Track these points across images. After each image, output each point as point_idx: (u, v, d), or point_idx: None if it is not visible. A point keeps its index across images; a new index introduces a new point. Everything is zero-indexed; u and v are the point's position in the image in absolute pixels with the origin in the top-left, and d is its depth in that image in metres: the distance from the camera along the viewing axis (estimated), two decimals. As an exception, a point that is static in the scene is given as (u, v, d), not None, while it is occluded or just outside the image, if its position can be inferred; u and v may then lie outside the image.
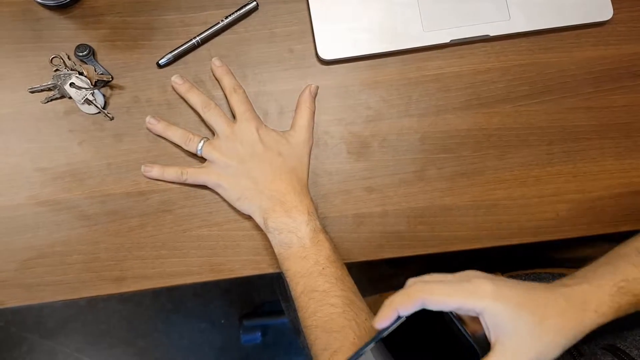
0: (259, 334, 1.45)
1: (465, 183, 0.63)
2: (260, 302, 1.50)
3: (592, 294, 0.46)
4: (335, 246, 0.56)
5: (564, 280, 0.48)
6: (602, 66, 0.65)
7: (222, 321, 1.48)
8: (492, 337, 0.44)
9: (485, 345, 0.44)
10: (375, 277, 0.79)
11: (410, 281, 0.45)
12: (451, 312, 0.45)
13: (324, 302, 0.51)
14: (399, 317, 0.44)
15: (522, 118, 0.63)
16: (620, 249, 0.51)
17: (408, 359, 0.45)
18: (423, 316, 0.44)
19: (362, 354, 0.43)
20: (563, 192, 0.63)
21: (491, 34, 0.63)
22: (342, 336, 0.50)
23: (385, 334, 0.44)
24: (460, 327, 0.45)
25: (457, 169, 0.63)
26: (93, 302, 1.46)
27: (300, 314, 0.53)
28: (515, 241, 0.62)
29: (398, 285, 0.76)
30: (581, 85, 0.64)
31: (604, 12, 0.64)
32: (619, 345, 0.50)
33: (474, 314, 0.44)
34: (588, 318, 0.45)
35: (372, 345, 0.44)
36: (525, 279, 0.64)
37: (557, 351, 0.44)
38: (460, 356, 0.45)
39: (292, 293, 0.54)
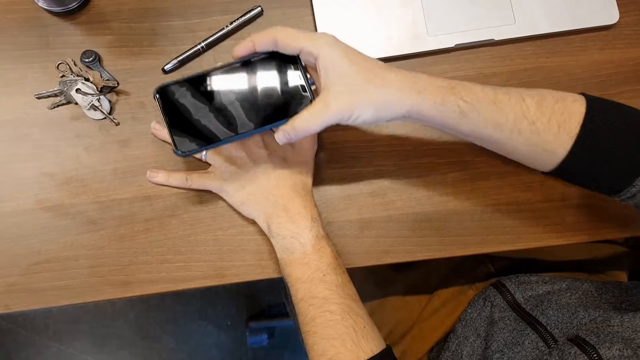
0: (266, 335, 1.46)
1: (470, 188, 0.62)
2: (267, 304, 1.50)
3: (423, 79, 0.48)
4: (337, 253, 0.55)
5: None
6: (609, 70, 0.64)
7: (229, 323, 1.49)
8: (322, 82, 0.48)
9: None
10: (379, 281, 0.79)
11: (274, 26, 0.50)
12: (298, 57, 0.50)
13: (323, 308, 0.52)
14: (256, 53, 0.50)
15: (528, 122, 0.63)
16: None
17: (258, 91, 0.51)
18: (277, 59, 0.51)
19: (216, 70, 0.50)
20: (569, 197, 0.62)
21: (496, 38, 0.63)
22: (339, 343, 0.50)
23: (240, 62, 0.51)
24: (302, 72, 0.51)
25: (462, 173, 0.63)
26: (100, 305, 1.47)
27: (299, 319, 0.54)
28: (520, 246, 0.62)
29: (402, 289, 0.77)
30: (587, 89, 0.63)
31: (610, 15, 0.63)
32: (580, 335, 0.50)
33: (312, 60, 0.48)
34: (408, 93, 0.48)
35: (228, 67, 0.50)
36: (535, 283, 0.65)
37: (371, 111, 0.48)
38: (299, 99, 0.51)
39: (293, 298, 0.54)
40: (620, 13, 0.63)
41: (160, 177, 0.60)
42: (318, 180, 0.62)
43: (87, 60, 0.61)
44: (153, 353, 1.47)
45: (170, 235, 0.60)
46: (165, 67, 0.62)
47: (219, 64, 0.51)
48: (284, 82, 0.51)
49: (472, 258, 0.76)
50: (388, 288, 0.78)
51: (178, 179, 0.60)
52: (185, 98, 0.50)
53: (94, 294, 0.60)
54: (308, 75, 0.51)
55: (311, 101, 0.50)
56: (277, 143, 0.58)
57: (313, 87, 0.52)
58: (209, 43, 0.62)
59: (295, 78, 0.51)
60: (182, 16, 0.63)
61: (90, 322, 1.48)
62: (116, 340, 1.48)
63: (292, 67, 0.51)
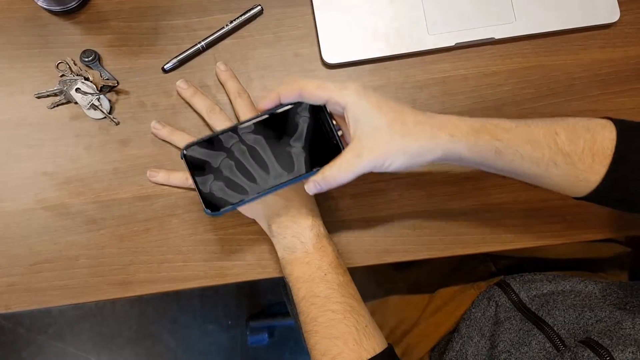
0: (266, 335, 1.46)
1: (471, 187, 0.62)
2: (267, 303, 1.50)
3: (454, 122, 0.48)
4: (338, 252, 0.55)
5: None
6: (609, 68, 0.64)
7: (229, 322, 1.49)
8: (351, 131, 0.48)
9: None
10: (380, 280, 0.79)
11: (298, 77, 0.50)
12: (324, 107, 0.50)
13: (325, 308, 0.51)
14: (281, 105, 0.50)
15: (528, 121, 0.63)
16: None
17: (285, 143, 0.50)
18: (303, 109, 0.50)
19: (242, 124, 0.49)
20: (569, 196, 0.62)
21: (496, 37, 0.63)
22: (341, 342, 0.50)
23: (266, 115, 0.50)
24: (330, 121, 0.50)
25: (463, 172, 0.62)
26: (101, 304, 1.47)
27: (301, 319, 0.54)
28: (521, 245, 0.62)
29: (403, 288, 0.77)
30: (588, 88, 0.64)
31: (611, 14, 0.63)
32: (593, 337, 0.50)
33: (340, 110, 0.48)
34: (441, 137, 0.47)
35: (253, 120, 0.50)
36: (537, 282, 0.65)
37: (404, 159, 0.47)
38: (328, 149, 0.50)
39: (294, 298, 0.54)
40: (620, 11, 0.63)
41: (161, 176, 0.60)
42: (318, 179, 0.61)
43: (86, 59, 0.60)
44: (153, 352, 1.47)
45: (170, 235, 0.60)
46: (165, 67, 0.62)
47: (245, 118, 0.50)
48: (312, 132, 0.50)
49: (473, 257, 0.76)
50: (389, 287, 0.78)
51: (178, 178, 0.60)
52: (212, 155, 0.49)
53: (94, 294, 0.60)
54: (334, 122, 0.50)
55: (340, 150, 0.49)
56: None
57: (340, 133, 0.51)
58: (209, 42, 0.62)
59: (322, 127, 0.50)
60: (182, 15, 0.63)
61: (91, 321, 1.48)
62: (117, 339, 1.48)
63: (318, 116, 0.50)
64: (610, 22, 0.63)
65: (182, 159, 0.49)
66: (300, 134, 0.50)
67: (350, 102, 0.47)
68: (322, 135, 0.50)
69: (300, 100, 0.49)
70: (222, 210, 0.48)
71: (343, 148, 0.49)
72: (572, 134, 0.48)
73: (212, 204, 0.48)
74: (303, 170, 0.50)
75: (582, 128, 0.48)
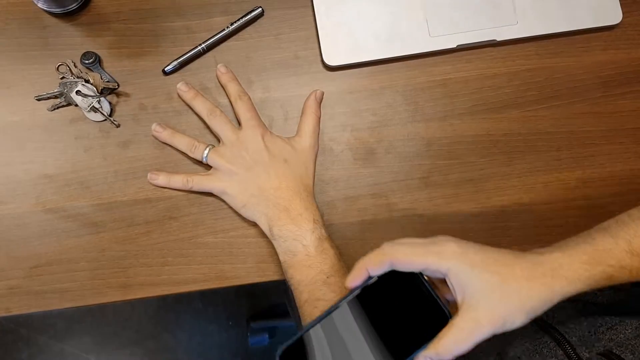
0: (267, 335, 1.46)
1: (472, 189, 0.62)
2: (268, 304, 1.50)
3: (563, 261, 0.45)
4: (340, 254, 0.55)
5: (535, 249, 0.47)
6: (611, 70, 0.64)
7: (230, 323, 1.49)
8: (458, 298, 0.44)
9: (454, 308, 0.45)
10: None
11: (384, 244, 0.46)
12: (420, 274, 0.45)
13: None
14: (370, 277, 0.45)
15: (530, 123, 0.63)
16: (603, 223, 0.50)
17: (380, 318, 0.45)
18: (395, 278, 0.45)
19: (333, 311, 0.45)
20: (572, 199, 0.62)
21: (498, 39, 0.63)
22: None
23: (357, 292, 0.46)
24: (429, 288, 0.45)
25: (463, 175, 0.62)
26: (102, 304, 1.47)
27: (304, 322, 0.53)
28: (523, 248, 0.62)
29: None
30: (590, 90, 0.64)
31: (613, 16, 0.63)
32: (614, 351, 0.49)
33: (440, 275, 0.44)
34: (558, 284, 0.44)
35: (344, 302, 0.45)
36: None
37: (524, 316, 0.44)
38: (431, 318, 0.45)
39: (296, 301, 0.54)
40: (623, 13, 0.63)
41: (161, 179, 0.60)
42: (319, 181, 0.61)
43: (87, 61, 0.60)
44: (154, 353, 1.47)
45: (171, 238, 0.60)
46: (165, 69, 0.61)
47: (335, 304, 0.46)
48: (410, 302, 0.45)
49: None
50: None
51: (179, 181, 0.59)
52: (307, 354, 0.45)
53: (94, 297, 0.60)
54: (431, 286, 0.46)
55: (446, 317, 0.44)
56: (279, 144, 0.58)
57: (435, 289, 0.46)
58: (210, 44, 0.62)
59: (422, 295, 0.45)
60: (183, 17, 0.63)
61: (92, 321, 1.48)
62: (117, 339, 1.48)
63: (413, 282, 0.45)
64: (612, 24, 0.63)
65: None
66: (398, 306, 0.46)
67: (453, 268, 0.43)
68: (422, 303, 0.45)
69: (391, 269, 0.45)
70: None
71: (450, 315, 0.45)
72: None
73: None
74: (410, 349, 0.44)
75: None
